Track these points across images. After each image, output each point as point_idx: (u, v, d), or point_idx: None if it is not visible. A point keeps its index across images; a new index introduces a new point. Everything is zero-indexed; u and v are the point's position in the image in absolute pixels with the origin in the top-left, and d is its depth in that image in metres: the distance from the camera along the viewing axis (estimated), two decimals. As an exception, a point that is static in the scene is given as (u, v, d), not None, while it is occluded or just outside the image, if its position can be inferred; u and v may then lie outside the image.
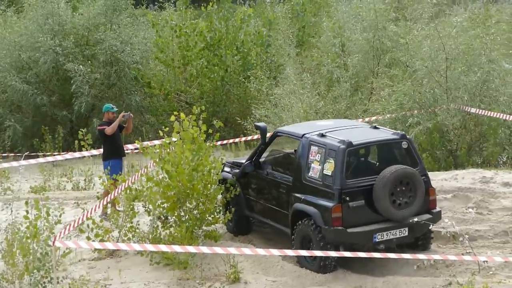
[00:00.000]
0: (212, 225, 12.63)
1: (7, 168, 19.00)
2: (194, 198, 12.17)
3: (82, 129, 18.57)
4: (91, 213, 12.04)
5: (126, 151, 18.14)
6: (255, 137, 19.96)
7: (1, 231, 11.38)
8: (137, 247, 11.25)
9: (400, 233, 11.54)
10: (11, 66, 25.87)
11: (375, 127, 12.63)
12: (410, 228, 11.55)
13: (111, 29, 26.15)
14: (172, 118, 12.24)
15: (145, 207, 12.43)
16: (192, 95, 26.31)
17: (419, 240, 12.10)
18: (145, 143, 13.59)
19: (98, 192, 14.83)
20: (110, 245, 11.32)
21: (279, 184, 12.19)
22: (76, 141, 19.33)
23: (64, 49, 25.29)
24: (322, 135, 11.92)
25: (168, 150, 12.18)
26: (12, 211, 11.64)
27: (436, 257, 11.14)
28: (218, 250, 10.85)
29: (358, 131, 12.53)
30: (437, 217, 11.99)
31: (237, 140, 21.38)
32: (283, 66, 24.95)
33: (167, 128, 12.58)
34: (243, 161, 13.30)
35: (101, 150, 15.59)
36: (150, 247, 11.23)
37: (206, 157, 12.13)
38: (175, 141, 12.17)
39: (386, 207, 11.27)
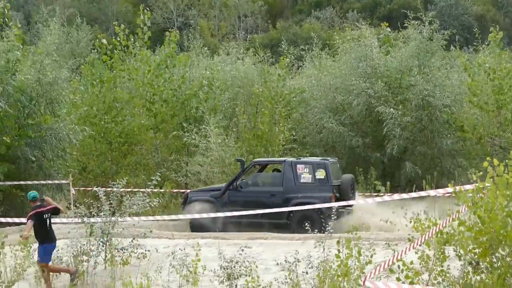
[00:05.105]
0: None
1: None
2: (507, 245, 11.79)
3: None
4: (401, 255, 12.11)
5: (438, 195, 17.98)
6: None
7: (314, 268, 11.81)
8: (449, 292, 11.12)
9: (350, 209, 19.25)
10: (326, 107, 26.94)
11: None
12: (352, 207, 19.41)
13: (422, 72, 26.23)
14: (485, 164, 11.98)
15: (456, 252, 12.26)
16: (506, 139, 25.45)
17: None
18: (457, 187, 13.42)
19: (409, 234, 14.88)
20: (419, 288, 11.29)
21: None
22: (388, 183, 19.56)
23: (376, 92, 25.81)
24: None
25: (481, 195, 11.94)
26: (324, 249, 12.04)
27: None
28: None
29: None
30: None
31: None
32: None
33: (481, 173, 12.33)
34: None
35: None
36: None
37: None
38: (488, 186, 11.89)
39: (349, 195, 18.99)
